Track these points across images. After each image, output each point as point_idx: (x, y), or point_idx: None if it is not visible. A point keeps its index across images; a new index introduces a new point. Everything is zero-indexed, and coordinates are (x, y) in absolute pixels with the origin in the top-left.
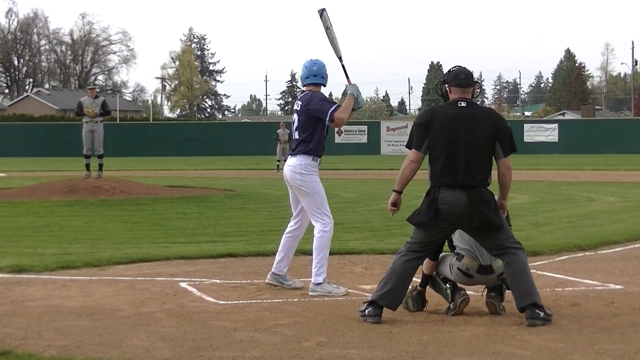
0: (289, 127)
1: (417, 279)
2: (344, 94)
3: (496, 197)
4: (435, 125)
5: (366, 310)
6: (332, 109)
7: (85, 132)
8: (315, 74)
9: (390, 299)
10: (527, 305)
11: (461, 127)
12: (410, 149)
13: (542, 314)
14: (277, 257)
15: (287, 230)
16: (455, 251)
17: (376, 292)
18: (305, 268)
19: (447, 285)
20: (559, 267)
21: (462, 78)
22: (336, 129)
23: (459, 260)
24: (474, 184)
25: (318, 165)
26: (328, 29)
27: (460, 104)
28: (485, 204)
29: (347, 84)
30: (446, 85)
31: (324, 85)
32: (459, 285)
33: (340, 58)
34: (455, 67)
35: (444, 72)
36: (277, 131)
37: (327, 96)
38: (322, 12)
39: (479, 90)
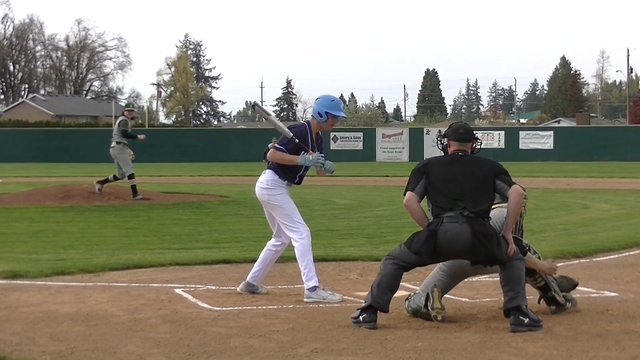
0: None
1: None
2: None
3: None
4: (433, 168)
5: (361, 317)
6: (280, 145)
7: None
8: (319, 112)
9: (382, 301)
10: (511, 307)
11: (459, 167)
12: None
13: (526, 319)
14: (255, 267)
15: (269, 245)
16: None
17: (368, 296)
18: (300, 276)
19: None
20: None
21: (461, 132)
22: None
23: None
24: (475, 216)
25: (287, 186)
26: (268, 116)
27: (458, 153)
28: (489, 238)
29: (308, 155)
30: (446, 139)
31: (318, 120)
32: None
33: (292, 138)
34: (456, 122)
35: (439, 78)
36: (269, 145)
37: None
38: (254, 106)
39: (479, 148)
